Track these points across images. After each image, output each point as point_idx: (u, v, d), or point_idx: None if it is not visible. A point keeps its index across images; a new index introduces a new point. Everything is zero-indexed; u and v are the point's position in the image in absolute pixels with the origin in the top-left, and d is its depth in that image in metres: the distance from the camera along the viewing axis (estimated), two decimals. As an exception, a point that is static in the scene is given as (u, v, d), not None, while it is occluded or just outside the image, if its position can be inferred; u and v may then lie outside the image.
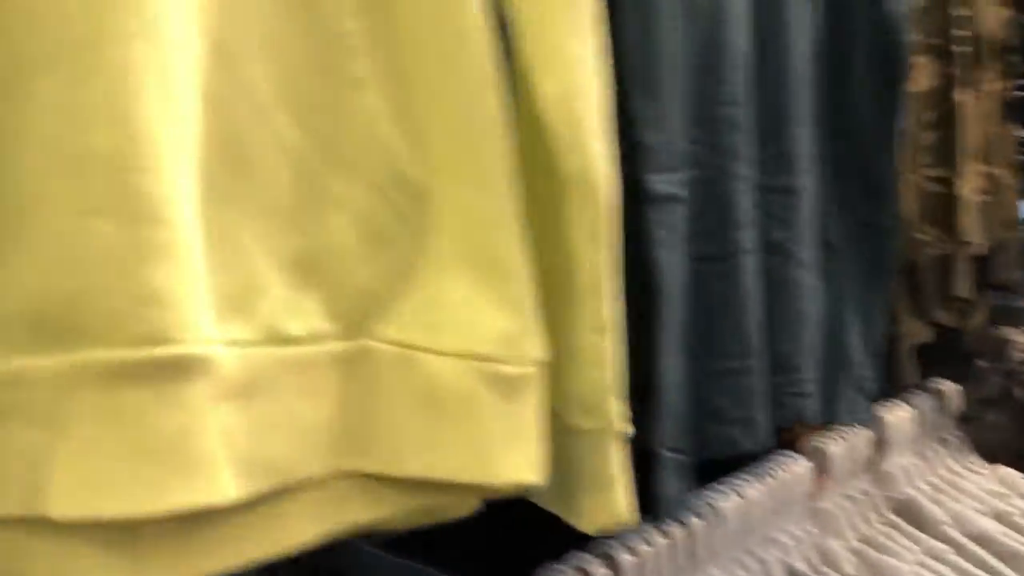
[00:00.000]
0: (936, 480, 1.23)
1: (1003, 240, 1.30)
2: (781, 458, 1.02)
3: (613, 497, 0.65)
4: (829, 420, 1.02)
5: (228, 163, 0.51)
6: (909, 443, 1.22)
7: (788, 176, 0.93)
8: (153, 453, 0.46)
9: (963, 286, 1.25)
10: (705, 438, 0.84)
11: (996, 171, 1.27)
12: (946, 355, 1.31)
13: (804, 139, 0.94)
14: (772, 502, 0.98)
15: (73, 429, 0.45)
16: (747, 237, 0.88)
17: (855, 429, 1.11)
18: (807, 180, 0.96)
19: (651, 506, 0.78)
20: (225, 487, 0.48)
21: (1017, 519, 1.19)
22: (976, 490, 1.25)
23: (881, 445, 1.17)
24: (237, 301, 0.52)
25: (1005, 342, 1.40)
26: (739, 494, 0.95)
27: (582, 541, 0.75)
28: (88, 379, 0.45)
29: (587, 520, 0.66)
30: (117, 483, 0.45)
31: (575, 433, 0.65)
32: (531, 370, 0.60)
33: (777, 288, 0.92)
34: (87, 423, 0.45)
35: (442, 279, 0.58)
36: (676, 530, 0.86)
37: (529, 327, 0.60)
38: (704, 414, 0.85)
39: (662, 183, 0.78)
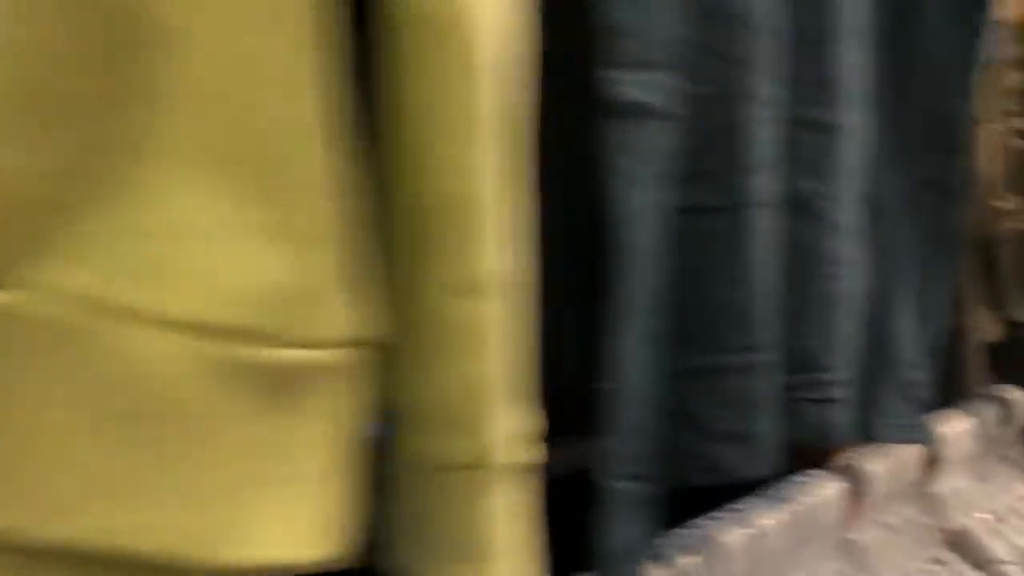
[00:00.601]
0: (998, 508, 1.16)
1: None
2: (804, 478, 0.90)
3: (490, 571, 0.43)
4: (863, 436, 0.89)
5: None
6: (966, 462, 1.14)
7: (826, 108, 0.80)
8: None
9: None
10: (681, 461, 0.68)
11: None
12: (1018, 356, 1.25)
13: (851, 63, 0.81)
14: (792, 535, 0.86)
15: None
16: (762, 185, 0.72)
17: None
18: (852, 118, 0.82)
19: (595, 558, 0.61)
20: None
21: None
22: (1045, 521, 1.19)
23: (931, 464, 1.07)
24: None
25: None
26: (749, 524, 0.82)
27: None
28: None
29: None
30: None
31: (432, 468, 0.42)
32: (323, 356, 0.39)
33: (801, 258, 0.78)
34: None
35: (170, 187, 0.36)
36: (662, 572, 0.71)
37: (326, 278, 0.38)
38: (681, 427, 0.68)
39: (630, 85, 0.59)
